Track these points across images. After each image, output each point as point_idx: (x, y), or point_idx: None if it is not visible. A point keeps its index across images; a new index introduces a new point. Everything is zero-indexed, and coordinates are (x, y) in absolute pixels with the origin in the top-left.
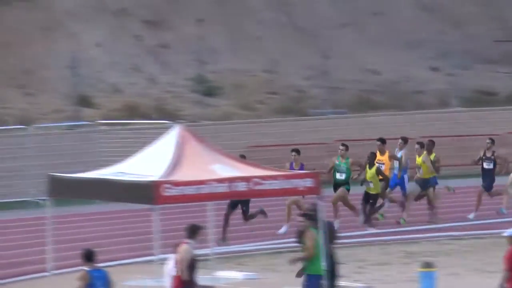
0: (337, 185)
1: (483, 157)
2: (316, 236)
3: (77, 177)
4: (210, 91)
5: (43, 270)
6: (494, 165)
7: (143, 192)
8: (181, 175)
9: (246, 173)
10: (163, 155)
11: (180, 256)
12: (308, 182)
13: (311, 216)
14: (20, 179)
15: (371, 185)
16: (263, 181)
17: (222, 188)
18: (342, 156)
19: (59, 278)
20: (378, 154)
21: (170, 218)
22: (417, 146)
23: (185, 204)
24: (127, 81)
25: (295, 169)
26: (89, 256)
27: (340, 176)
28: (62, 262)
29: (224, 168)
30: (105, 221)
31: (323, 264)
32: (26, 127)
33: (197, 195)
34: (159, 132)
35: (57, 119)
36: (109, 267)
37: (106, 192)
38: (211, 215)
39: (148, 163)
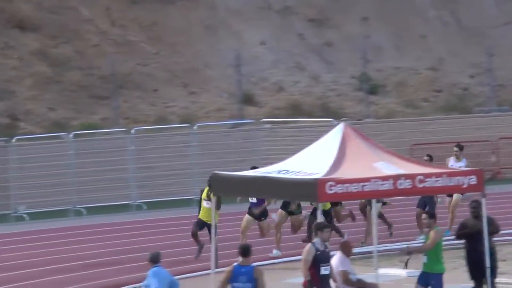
0: None
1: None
2: (440, 236)
3: (240, 175)
4: (374, 89)
5: (207, 268)
6: None
7: (307, 190)
8: (344, 173)
9: (410, 170)
10: (326, 152)
11: (303, 256)
12: (473, 180)
13: (432, 214)
14: (184, 177)
15: None
16: (427, 179)
17: (386, 186)
18: (457, 158)
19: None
20: None
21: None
22: None
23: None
24: (290, 79)
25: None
26: (244, 252)
27: None
28: (224, 260)
29: (387, 166)
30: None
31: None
32: (190, 125)
33: (360, 192)
34: (323, 130)
35: (220, 118)
36: (272, 264)
37: (269, 190)
38: (374, 213)
39: (311, 161)
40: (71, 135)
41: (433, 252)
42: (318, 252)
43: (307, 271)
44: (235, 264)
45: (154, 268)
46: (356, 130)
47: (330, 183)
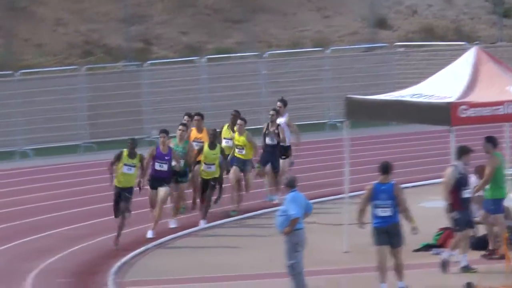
0: None
1: (266, 132)
2: (499, 161)
3: (374, 99)
4: (507, 12)
5: (341, 192)
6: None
7: (439, 114)
8: (477, 96)
9: None
10: (459, 76)
11: (444, 179)
12: None
13: (490, 138)
14: (317, 101)
15: None
16: None
17: None
18: None
19: (356, 200)
20: None
21: (464, 140)
22: None
23: (483, 125)
24: (424, 2)
25: None
26: (384, 169)
27: None
28: (358, 184)
29: None
30: (400, 143)
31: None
32: (323, 49)
33: (493, 116)
34: (455, 54)
35: (353, 42)
36: (404, 189)
37: (402, 113)
38: (507, 137)
39: (444, 85)
40: (204, 59)
41: (493, 178)
42: (460, 176)
43: (448, 194)
44: (375, 182)
45: (292, 193)
46: (489, 53)
47: (463, 107)
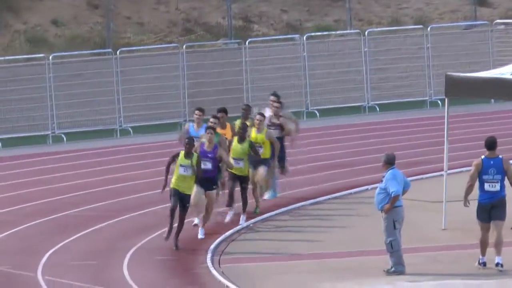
0: None
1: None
2: None
3: (474, 76)
4: None
5: (439, 169)
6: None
7: None
8: None
9: None
10: None
11: None
12: None
13: None
14: (417, 79)
15: None
16: None
17: None
18: None
19: (454, 178)
20: None
21: None
22: None
23: None
24: None
25: None
26: (491, 144)
27: None
28: (457, 162)
29: None
30: (500, 120)
31: None
32: (423, 27)
33: None
34: None
35: (453, 19)
36: None
37: (502, 91)
38: None
39: None
40: (304, 37)
41: None
42: None
43: None
44: (483, 157)
45: (391, 170)
46: None
47: None
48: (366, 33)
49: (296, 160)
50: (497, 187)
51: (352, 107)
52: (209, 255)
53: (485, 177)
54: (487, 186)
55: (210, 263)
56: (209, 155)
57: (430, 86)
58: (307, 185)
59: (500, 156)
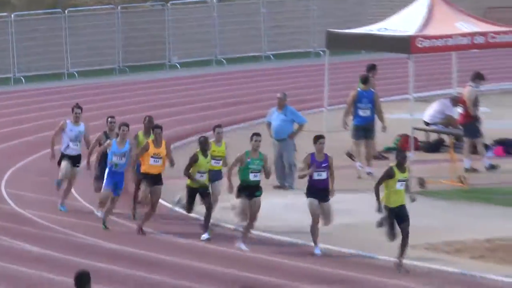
0: None
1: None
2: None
3: (348, 32)
4: None
5: (321, 106)
6: None
7: (401, 44)
8: (431, 31)
9: (483, 29)
10: (417, 14)
11: (465, 96)
12: None
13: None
14: (303, 35)
15: None
16: (497, 36)
17: (465, 41)
18: None
19: (332, 112)
20: None
21: (422, 65)
22: None
23: (434, 54)
24: None
25: None
26: (364, 80)
27: None
28: (335, 100)
29: (466, 25)
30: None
31: None
32: None
33: (444, 46)
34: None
35: None
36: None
37: (372, 44)
38: (454, 63)
39: (404, 21)
40: (214, 0)
41: None
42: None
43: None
44: (358, 89)
45: (288, 106)
46: None
47: (420, 38)
48: None
49: (210, 98)
50: (368, 113)
51: (252, 56)
52: None
53: (359, 105)
54: (361, 112)
55: None
56: (323, 165)
57: (314, 40)
58: (218, 118)
59: (372, 90)
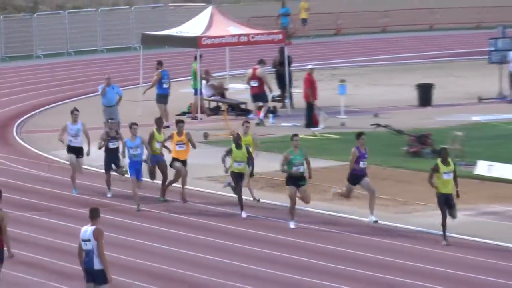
0: None
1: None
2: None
3: (157, 34)
4: None
5: (137, 84)
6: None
7: (192, 42)
8: (212, 32)
9: (247, 31)
10: (202, 21)
11: (260, 74)
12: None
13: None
14: (128, 35)
15: None
16: (256, 36)
17: (234, 39)
18: None
19: (145, 87)
20: None
21: (207, 56)
22: None
23: (215, 48)
24: None
25: None
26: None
27: None
28: (148, 79)
29: (235, 29)
30: (171, 59)
31: None
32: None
33: (220, 43)
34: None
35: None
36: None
37: (172, 42)
38: (227, 57)
39: (194, 26)
40: None
41: None
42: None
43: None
44: (160, 70)
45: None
46: (219, 10)
47: (204, 38)
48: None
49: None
50: (168, 85)
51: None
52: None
53: (163, 80)
54: (164, 85)
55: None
56: (366, 156)
57: (133, 39)
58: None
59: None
